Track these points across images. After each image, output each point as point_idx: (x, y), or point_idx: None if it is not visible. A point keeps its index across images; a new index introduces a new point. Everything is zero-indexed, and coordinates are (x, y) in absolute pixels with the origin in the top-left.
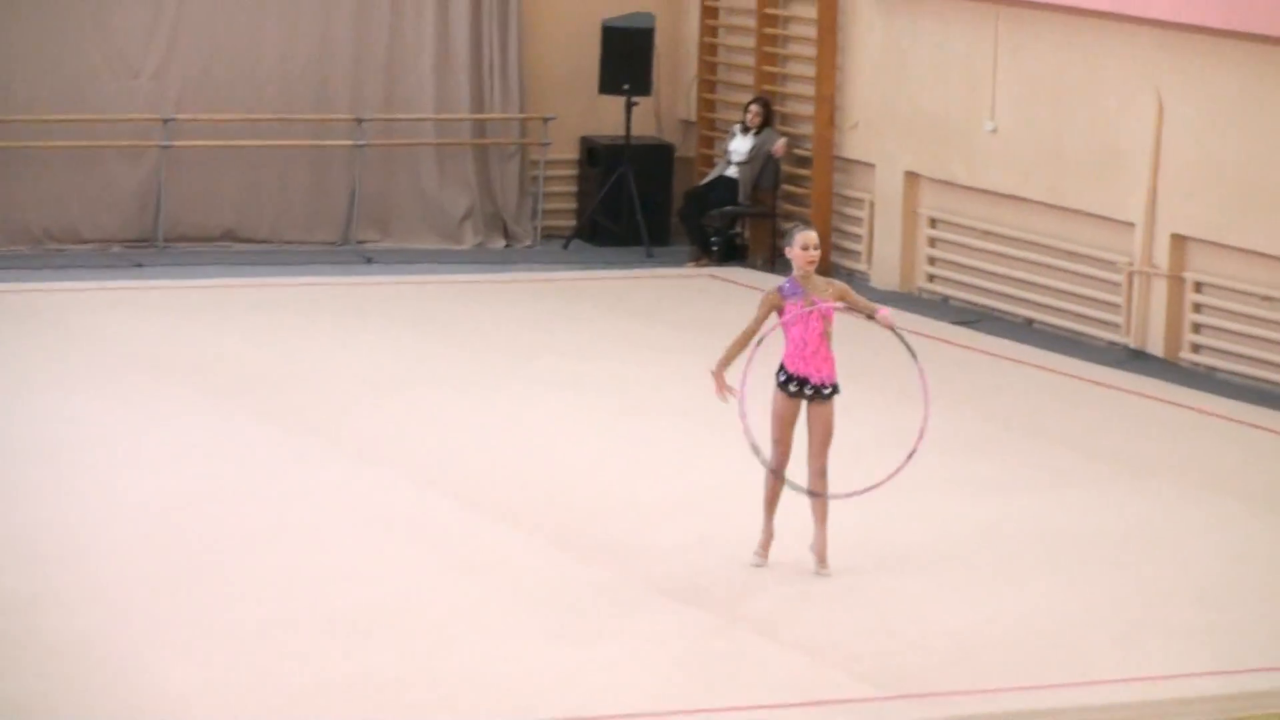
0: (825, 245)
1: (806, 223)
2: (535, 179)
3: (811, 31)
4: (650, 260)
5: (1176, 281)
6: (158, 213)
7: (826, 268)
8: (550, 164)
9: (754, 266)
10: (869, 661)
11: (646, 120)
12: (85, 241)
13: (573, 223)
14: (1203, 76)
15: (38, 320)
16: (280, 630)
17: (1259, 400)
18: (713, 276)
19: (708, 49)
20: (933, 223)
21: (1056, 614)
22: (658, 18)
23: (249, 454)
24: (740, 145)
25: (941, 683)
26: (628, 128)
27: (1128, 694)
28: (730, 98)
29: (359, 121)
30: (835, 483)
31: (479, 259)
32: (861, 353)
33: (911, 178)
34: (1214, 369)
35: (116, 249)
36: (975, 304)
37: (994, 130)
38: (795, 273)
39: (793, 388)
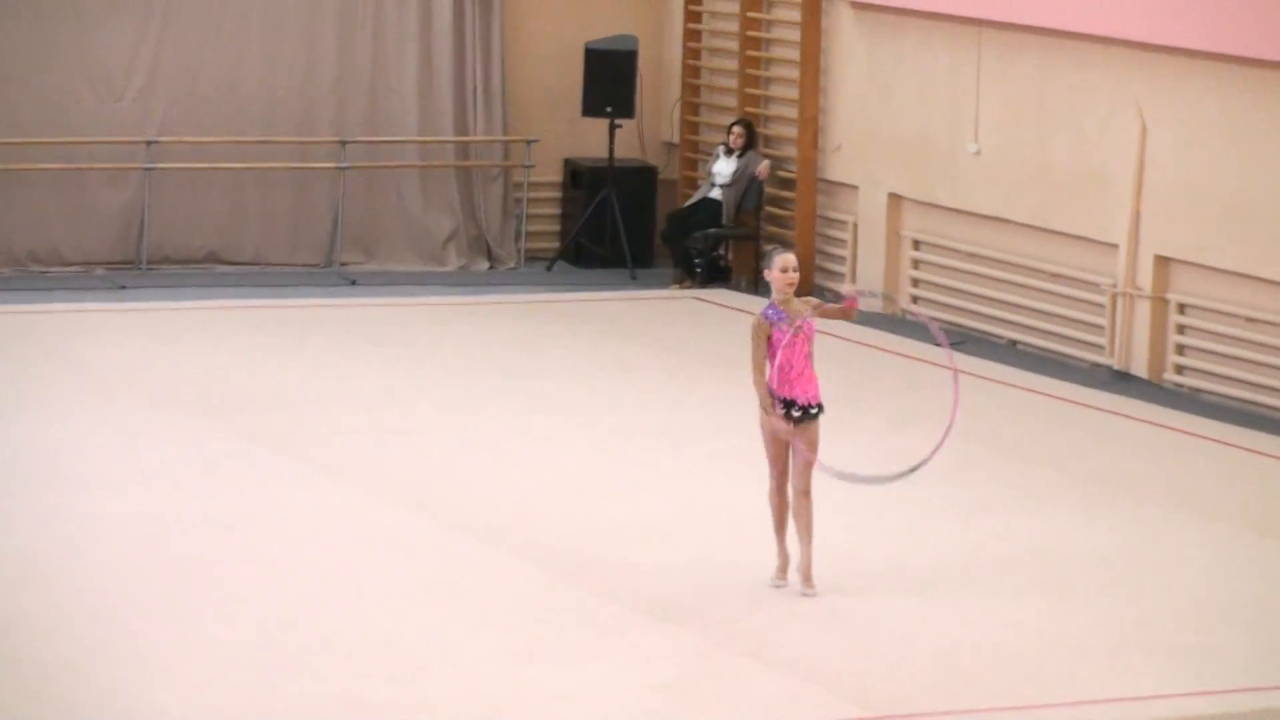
0: (809, 267)
1: (786, 245)
2: (519, 201)
3: (794, 54)
4: (634, 282)
5: (1160, 303)
6: (141, 235)
7: (810, 290)
8: (534, 186)
9: (738, 288)
10: (855, 682)
11: (630, 142)
12: (68, 264)
13: (556, 245)
14: (1185, 98)
15: (20, 342)
16: (264, 652)
17: (1243, 421)
18: (696, 298)
19: (691, 71)
20: (916, 244)
21: (1042, 635)
22: (640, 40)
23: (232, 476)
24: (723, 167)
25: (928, 704)
26: (611, 150)
27: (1114, 714)
28: (713, 120)
29: (342, 144)
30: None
31: (463, 281)
32: (852, 376)
33: (895, 199)
34: (1198, 390)
35: (100, 271)
36: (959, 325)
37: (978, 152)
38: (775, 295)
39: (782, 409)
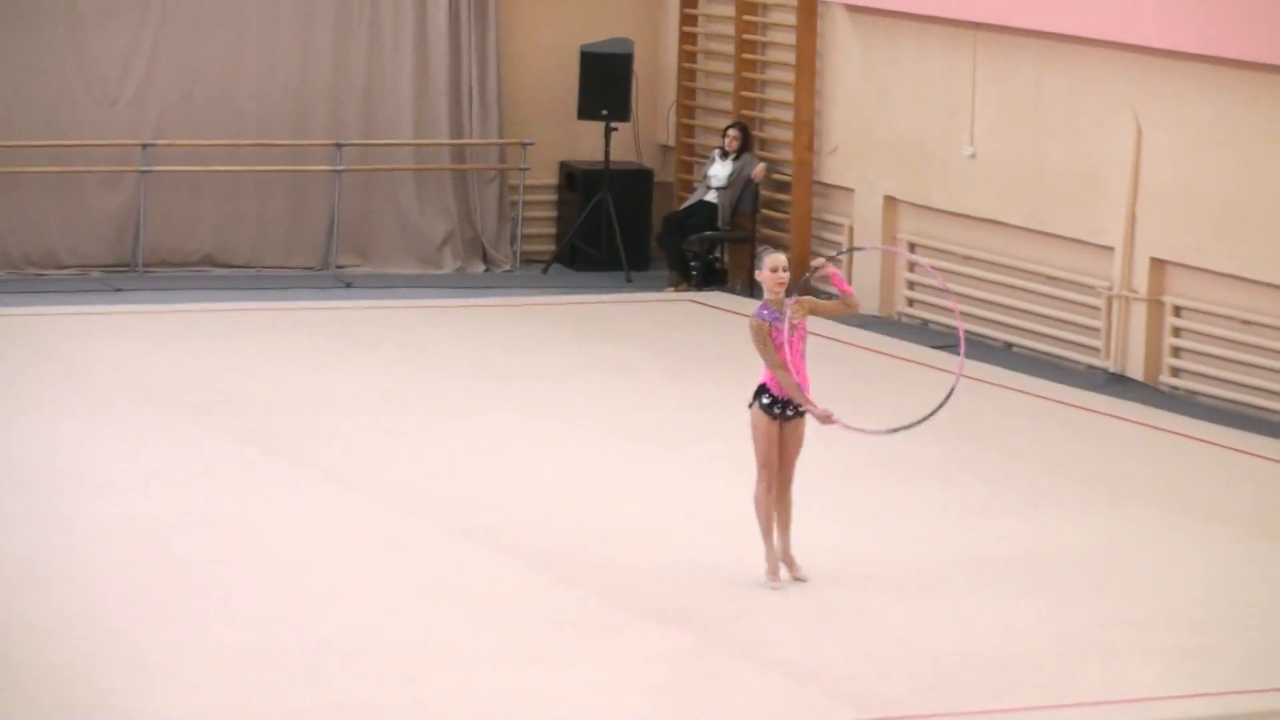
0: (805, 270)
1: (780, 247)
2: (514, 204)
3: (790, 57)
4: (629, 285)
5: (1155, 305)
6: (137, 238)
7: (806, 293)
8: (529, 189)
9: (733, 291)
10: (850, 684)
11: (625, 145)
12: (64, 267)
13: (552, 247)
14: (1181, 101)
15: (16, 345)
16: (261, 654)
17: (1238, 424)
18: (692, 301)
19: (686, 74)
20: (912, 247)
21: (1037, 637)
22: (636, 43)
23: (228, 479)
24: (719, 170)
25: (923, 705)
26: (607, 153)
27: (1112, 716)
28: (709, 123)
29: (338, 146)
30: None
31: (458, 284)
32: (841, 375)
33: (890, 202)
34: (1193, 393)
35: (95, 274)
36: (954, 328)
37: (973, 155)
38: (766, 295)
39: (777, 410)
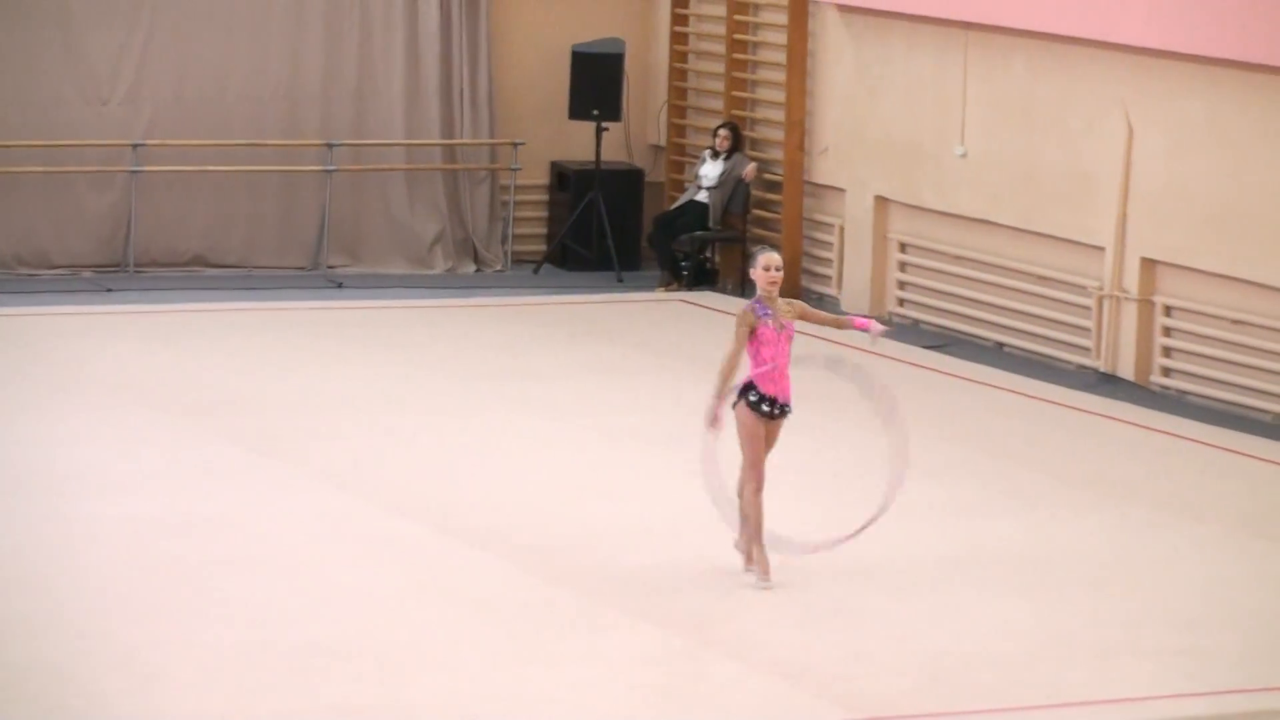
0: (796, 270)
1: (772, 246)
2: (505, 204)
3: (781, 56)
4: (620, 285)
5: (1146, 305)
6: (128, 238)
7: (797, 292)
8: (520, 189)
9: (724, 291)
10: (842, 684)
11: (616, 145)
12: (55, 267)
13: (543, 247)
14: (1172, 101)
15: (7, 346)
16: (255, 655)
17: (1229, 423)
18: (683, 301)
19: (677, 74)
20: (903, 247)
21: (1030, 637)
22: (627, 43)
23: (219, 479)
24: (710, 170)
25: (915, 706)
26: (598, 153)
27: (1104, 716)
28: (700, 123)
29: (329, 147)
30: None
31: (449, 284)
32: (831, 375)
33: (881, 202)
34: (1184, 392)
35: (86, 274)
36: (945, 328)
37: (964, 155)
38: (759, 293)
39: (765, 408)
